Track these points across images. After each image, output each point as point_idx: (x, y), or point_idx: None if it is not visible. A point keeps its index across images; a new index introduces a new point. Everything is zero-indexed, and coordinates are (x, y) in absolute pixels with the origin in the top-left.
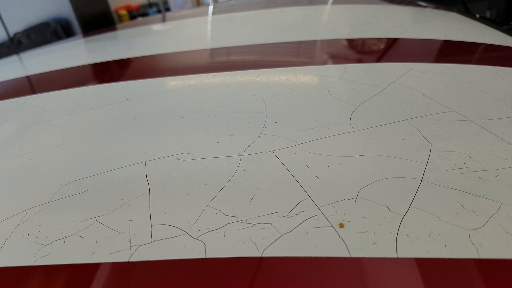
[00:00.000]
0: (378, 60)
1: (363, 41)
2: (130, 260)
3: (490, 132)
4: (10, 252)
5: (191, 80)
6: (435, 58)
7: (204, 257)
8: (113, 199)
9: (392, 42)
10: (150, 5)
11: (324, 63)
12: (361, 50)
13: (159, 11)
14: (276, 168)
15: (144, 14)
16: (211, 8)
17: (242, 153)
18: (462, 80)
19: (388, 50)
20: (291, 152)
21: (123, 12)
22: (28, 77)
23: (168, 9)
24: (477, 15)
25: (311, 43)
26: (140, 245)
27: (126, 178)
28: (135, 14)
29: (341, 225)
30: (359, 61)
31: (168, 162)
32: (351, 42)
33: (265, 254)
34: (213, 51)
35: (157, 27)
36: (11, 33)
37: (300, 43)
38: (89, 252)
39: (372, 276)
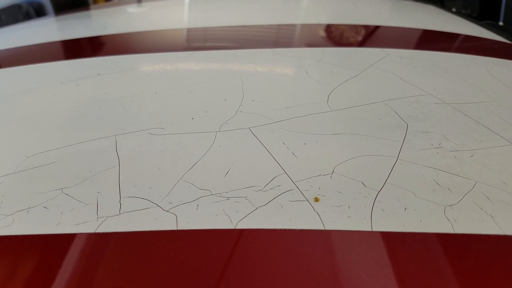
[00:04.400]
0: (357, 45)
1: (342, 27)
2: (97, 231)
3: (466, 115)
4: None
5: (166, 57)
6: (412, 46)
7: (175, 229)
8: (80, 171)
9: (370, 29)
10: None
11: (303, 46)
12: (339, 35)
13: None
14: (252, 144)
15: None
16: None
17: (217, 129)
18: (439, 66)
19: (366, 36)
20: (267, 129)
21: None
22: None
23: None
24: (454, 9)
25: (291, 27)
26: (108, 217)
27: (95, 151)
28: None
29: (316, 199)
30: (337, 45)
31: (139, 136)
32: (330, 27)
33: (239, 226)
34: (190, 31)
35: (132, 7)
36: None
37: (279, 26)
38: (54, 223)
39: (346, 248)
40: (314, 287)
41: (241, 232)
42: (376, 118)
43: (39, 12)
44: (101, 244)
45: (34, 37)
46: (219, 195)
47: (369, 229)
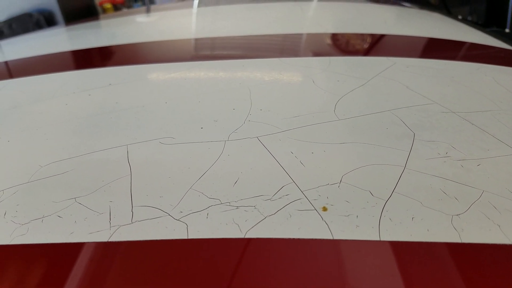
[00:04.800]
0: (363, 54)
1: (348, 35)
2: (110, 240)
3: (472, 124)
4: None
5: (175, 67)
6: (418, 54)
7: (186, 237)
8: (93, 181)
9: (376, 38)
10: None
11: (309, 55)
12: (346, 44)
13: (144, 5)
14: (261, 153)
15: (129, 8)
16: (196, 1)
17: (226, 138)
18: (445, 75)
19: (372, 45)
20: (275, 138)
21: (108, 5)
22: (6, 63)
23: (152, 2)
24: (460, 17)
25: (297, 36)
26: (121, 226)
27: (107, 161)
28: (120, 7)
29: (324, 209)
30: (344, 54)
31: (150, 146)
32: (336, 36)
33: (248, 236)
34: (198, 41)
35: (142, 17)
36: None
37: (286, 36)
38: (68, 232)
39: (354, 257)
40: None
41: (250, 241)
42: (383, 127)
43: (49, 21)
44: (113, 252)
45: (45, 47)
46: (228, 204)
47: (377, 239)
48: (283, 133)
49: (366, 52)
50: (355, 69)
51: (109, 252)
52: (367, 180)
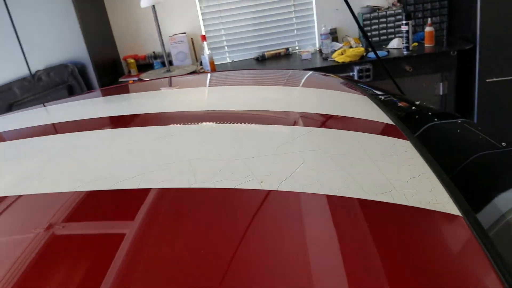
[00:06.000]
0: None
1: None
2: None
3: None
4: None
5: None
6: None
7: None
8: None
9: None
10: (155, 56)
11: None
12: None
13: (163, 63)
14: None
15: (149, 65)
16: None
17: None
18: None
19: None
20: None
21: (131, 60)
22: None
23: (170, 62)
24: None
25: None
26: None
27: None
28: (142, 63)
29: None
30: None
31: None
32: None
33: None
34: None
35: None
36: (33, 70)
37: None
38: None
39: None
40: None
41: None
42: None
43: (82, 72)
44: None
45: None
46: None
47: None
48: None
49: None
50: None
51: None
52: None
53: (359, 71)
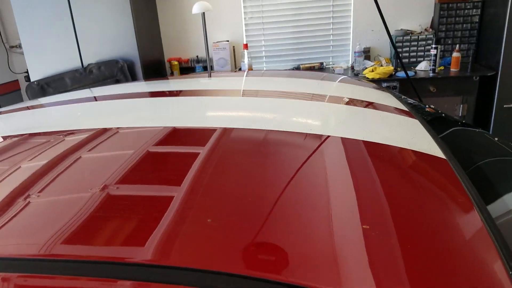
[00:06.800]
0: None
1: None
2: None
3: None
4: None
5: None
6: None
7: None
8: None
9: None
10: (198, 61)
11: None
12: None
13: (204, 68)
14: None
15: (191, 68)
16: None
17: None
18: None
19: None
20: None
21: (175, 62)
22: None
23: (212, 67)
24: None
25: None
26: None
27: None
28: (184, 66)
29: None
30: None
31: None
32: None
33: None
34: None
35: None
36: (85, 63)
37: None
38: None
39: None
40: None
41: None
42: None
43: (131, 69)
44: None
45: None
46: None
47: None
48: None
49: None
50: None
51: None
52: None
53: (387, 87)
